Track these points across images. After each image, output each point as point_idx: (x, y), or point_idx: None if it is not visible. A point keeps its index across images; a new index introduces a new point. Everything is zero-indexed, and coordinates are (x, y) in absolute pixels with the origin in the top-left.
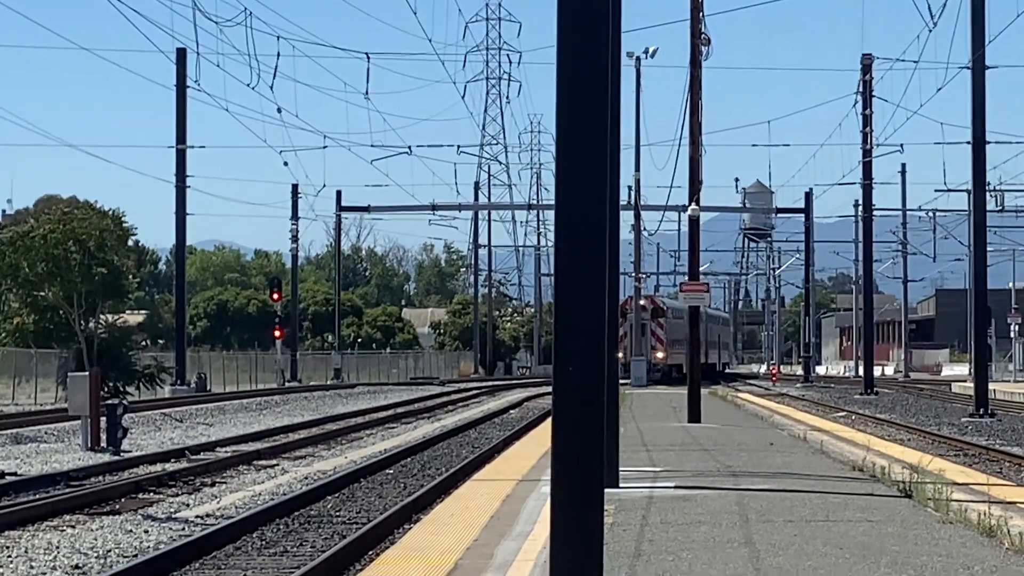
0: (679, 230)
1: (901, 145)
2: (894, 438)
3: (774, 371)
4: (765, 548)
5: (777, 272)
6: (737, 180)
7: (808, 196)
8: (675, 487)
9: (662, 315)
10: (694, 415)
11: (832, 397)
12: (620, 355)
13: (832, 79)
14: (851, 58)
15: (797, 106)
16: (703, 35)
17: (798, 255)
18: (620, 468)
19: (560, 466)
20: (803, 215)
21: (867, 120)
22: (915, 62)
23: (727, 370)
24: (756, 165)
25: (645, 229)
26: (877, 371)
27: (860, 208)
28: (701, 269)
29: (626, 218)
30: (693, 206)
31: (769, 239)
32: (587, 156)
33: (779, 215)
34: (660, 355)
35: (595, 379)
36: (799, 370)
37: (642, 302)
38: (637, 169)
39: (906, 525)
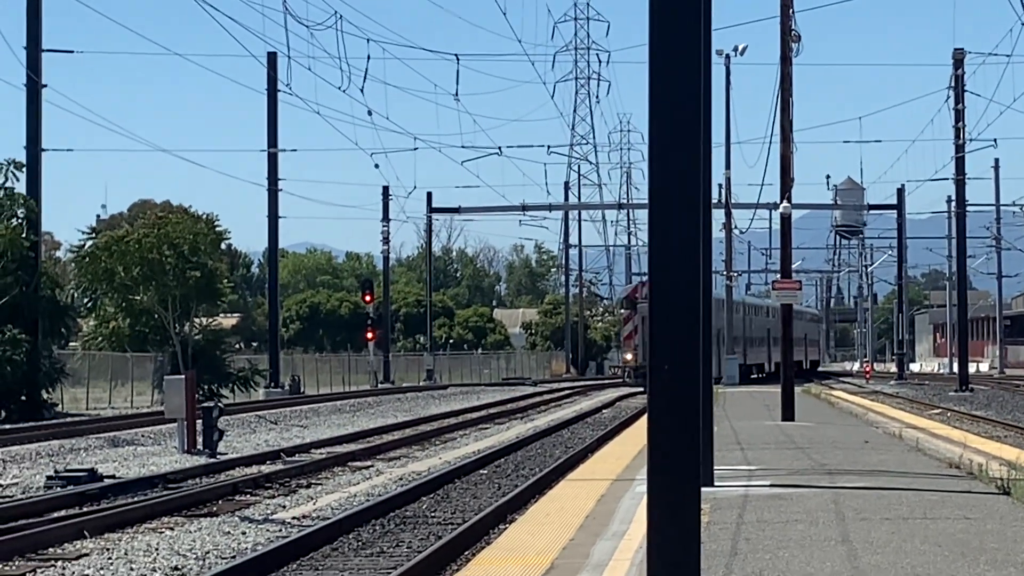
0: (770, 228)
1: (994, 140)
2: (990, 435)
3: (867, 368)
4: (862, 546)
5: (869, 269)
6: (828, 177)
7: (900, 192)
8: (770, 485)
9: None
10: (788, 413)
11: (926, 394)
12: (630, 356)
13: (924, 74)
14: (943, 53)
15: (889, 102)
16: (793, 32)
17: (890, 252)
18: (715, 467)
19: (656, 465)
20: (895, 211)
21: (959, 115)
22: (1008, 56)
23: (818, 368)
24: (848, 162)
25: (736, 227)
26: (972, 368)
27: (953, 204)
28: (793, 267)
29: (717, 216)
30: (785, 204)
31: (861, 236)
32: (680, 154)
33: (871, 212)
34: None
35: (691, 377)
36: (892, 367)
37: None
38: (728, 167)
39: (1005, 523)
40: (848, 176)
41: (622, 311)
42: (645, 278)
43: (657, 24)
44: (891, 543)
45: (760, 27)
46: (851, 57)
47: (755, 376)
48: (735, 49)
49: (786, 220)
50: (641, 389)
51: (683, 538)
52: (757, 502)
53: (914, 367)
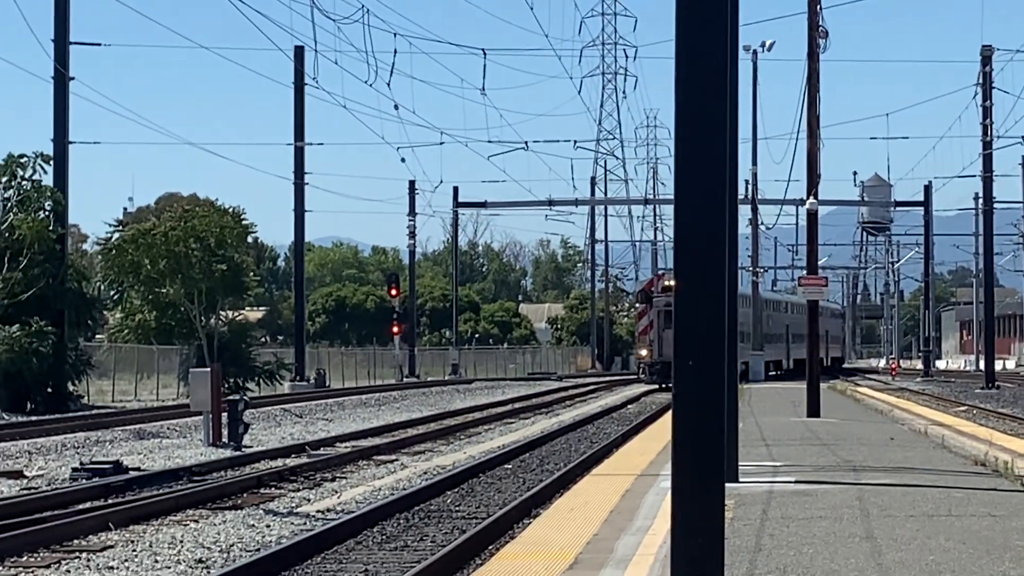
0: (797, 224)
1: (1022, 137)
2: (1016, 433)
3: (893, 365)
4: (887, 543)
5: (896, 266)
6: (855, 173)
7: (927, 189)
8: (795, 482)
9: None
10: (813, 409)
11: (953, 391)
12: (644, 352)
13: (952, 71)
14: (971, 50)
15: (916, 98)
16: (820, 28)
17: (917, 248)
18: (740, 463)
19: (681, 460)
20: (922, 208)
21: (987, 112)
22: None
23: (843, 365)
24: (875, 158)
25: (762, 223)
26: (998, 365)
27: (980, 201)
28: (819, 263)
29: (743, 212)
30: (811, 200)
31: (888, 233)
32: (706, 150)
33: (898, 208)
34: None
35: (716, 373)
36: (919, 364)
37: (671, 282)
38: (754, 163)
39: None
40: (875, 172)
41: (637, 305)
42: (661, 271)
43: (684, 19)
44: (916, 540)
45: (787, 23)
46: (878, 53)
47: (773, 373)
48: (762, 45)
49: (813, 216)
50: (657, 386)
51: (707, 534)
52: (781, 498)
53: (940, 364)
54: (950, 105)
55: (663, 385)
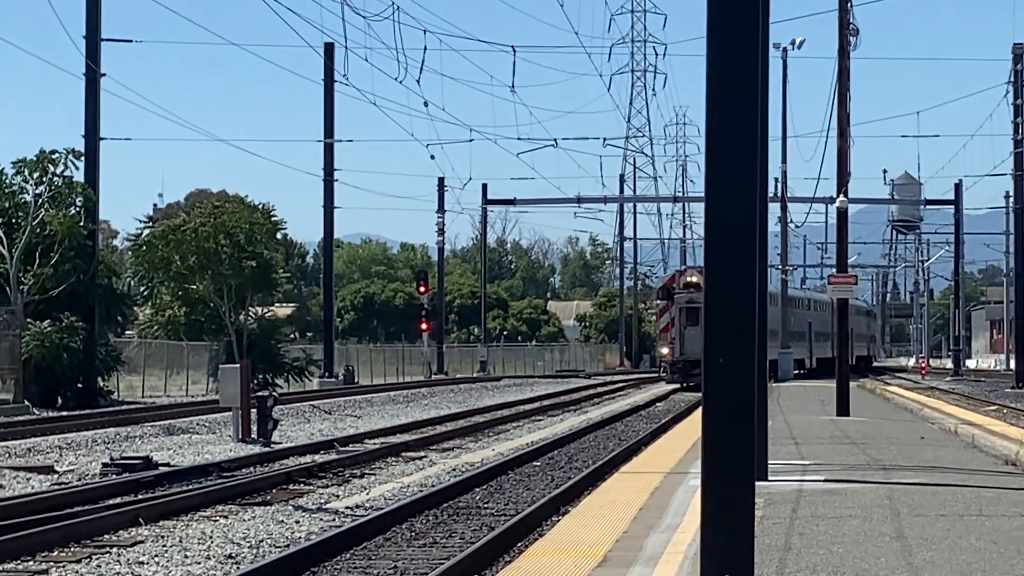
0: (826, 222)
1: None
2: None
3: (923, 364)
4: (917, 542)
5: (926, 264)
6: (885, 172)
7: (958, 187)
8: (824, 480)
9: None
10: (843, 408)
11: (983, 391)
12: (666, 350)
13: (983, 69)
14: (1002, 48)
15: (947, 96)
16: (851, 25)
17: (947, 247)
18: (769, 461)
19: (711, 459)
20: (952, 207)
21: (1018, 110)
22: None
23: (873, 363)
24: (904, 156)
25: (792, 221)
26: None
27: (1011, 199)
28: (849, 261)
29: (773, 210)
30: (841, 198)
31: (918, 231)
32: (737, 148)
33: (928, 207)
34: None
35: (746, 371)
36: (948, 363)
37: (693, 278)
38: (784, 161)
39: None
40: (905, 171)
41: (657, 302)
42: (683, 268)
43: (716, 18)
44: (946, 539)
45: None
46: (909, 51)
47: (796, 372)
48: (792, 43)
49: (842, 214)
50: (679, 385)
51: (737, 532)
52: (811, 497)
53: (970, 363)
54: (981, 103)
55: (685, 384)
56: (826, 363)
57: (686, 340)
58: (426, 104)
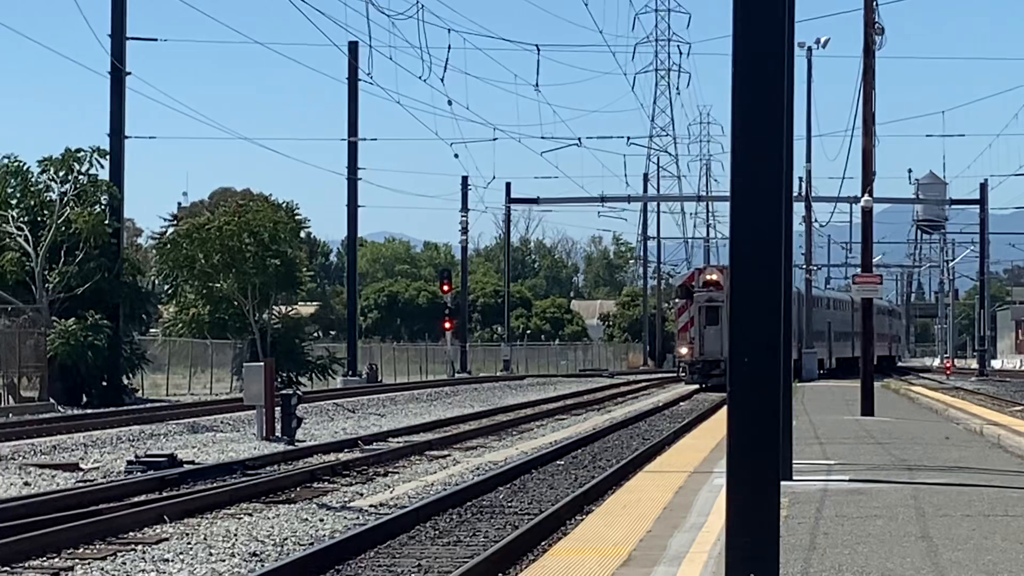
0: (851, 222)
1: None
2: None
3: (948, 364)
4: (942, 542)
5: (951, 264)
6: (910, 171)
7: (983, 187)
8: (849, 480)
9: None
10: (867, 408)
11: (1008, 391)
12: (685, 350)
13: (1009, 68)
14: None
15: (972, 96)
16: (876, 24)
17: (972, 247)
18: (793, 461)
19: (736, 458)
20: (978, 206)
21: None
22: None
23: (897, 363)
24: (930, 156)
25: (816, 221)
26: None
27: None
28: (873, 261)
29: (797, 210)
30: (866, 197)
31: (943, 231)
32: (762, 147)
33: (953, 206)
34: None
35: (771, 370)
36: (973, 363)
37: (713, 276)
38: (808, 160)
39: None
40: (930, 170)
41: (676, 301)
42: (702, 266)
43: (742, 17)
44: (971, 539)
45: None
46: (935, 51)
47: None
48: (817, 41)
49: (867, 214)
50: (698, 387)
51: (762, 532)
52: (836, 497)
53: (995, 364)
54: (1007, 103)
55: (704, 385)
56: (845, 363)
57: (706, 340)
58: (450, 103)
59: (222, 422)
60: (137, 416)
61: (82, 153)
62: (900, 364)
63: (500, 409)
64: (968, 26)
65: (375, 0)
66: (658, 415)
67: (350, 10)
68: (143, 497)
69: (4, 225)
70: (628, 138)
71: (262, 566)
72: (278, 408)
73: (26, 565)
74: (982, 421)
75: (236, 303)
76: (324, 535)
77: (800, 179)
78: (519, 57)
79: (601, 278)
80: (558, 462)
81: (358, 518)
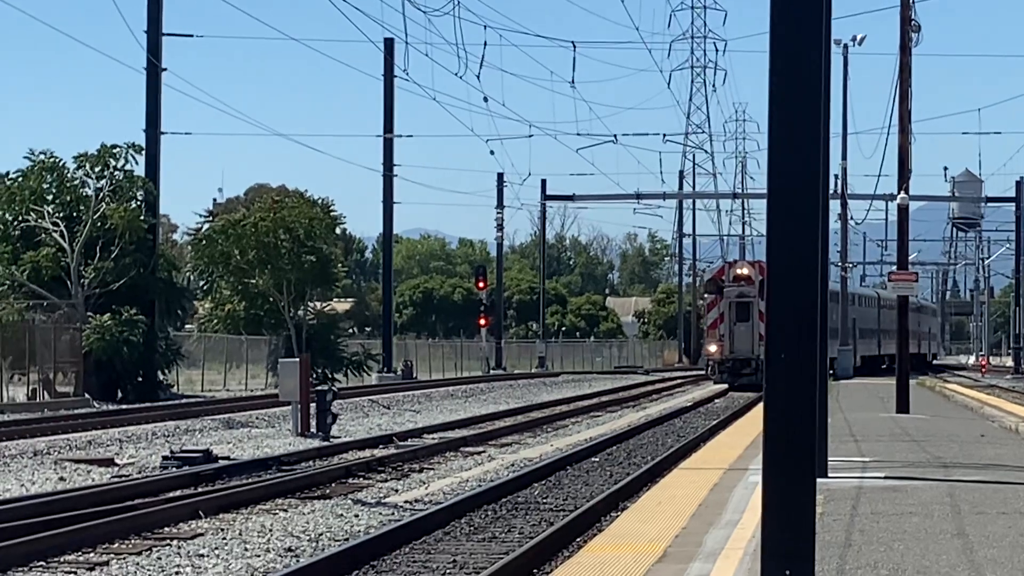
0: (886, 219)
1: None
2: None
3: (983, 362)
4: (978, 540)
5: (986, 262)
6: (946, 169)
7: (1019, 185)
8: (884, 477)
9: None
10: (902, 405)
11: None
12: (714, 348)
13: None
14: None
15: (1009, 93)
16: (913, 21)
17: (1008, 245)
18: (829, 458)
19: (772, 455)
20: (1014, 204)
21: None
22: None
23: (931, 361)
24: (966, 153)
25: (852, 218)
26: None
27: None
28: (909, 259)
29: (833, 207)
30: (902, 195)
31: (978, 228)
32: (800, 145)
33: (989, 204)
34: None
35: (808, 368)
36: (1008, 361)
37: (743, 271)
38: (844, 158)
39: None
40: (966, 168)
41: (705, 296)
42: (733, 260)
43: (779, 15)
44: (1007, 537)
45: (878, 16)
46: (971, 48)
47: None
48: (853, 39)
49: (903, 211)
50: (728, 386)
51: (798, 528)
52: (871, 494)
53: None
54: None
55: (734, 384)
56: (870, 360)
57: (736, 337)
58: (486, 100)
59: (257, 418)
60: (172, 412)
61: (118, 149)
62: (935, 362)
63: (535, 406)
64: (1005, 23)
65: None
66: (693, 412)
67: (386, 6)
68: (178, 492)
69: (40, 221)
70: (664, 135)
71: (297, 561)
72: (313, 404)
73: (61, 560)
74: (1017, 419)
75: (271, 299)
76: (359, 531)
77: (836, 176)
78: (555, 54)
79: (636, 275)
80: (593, 459)
81: (393, 514)
